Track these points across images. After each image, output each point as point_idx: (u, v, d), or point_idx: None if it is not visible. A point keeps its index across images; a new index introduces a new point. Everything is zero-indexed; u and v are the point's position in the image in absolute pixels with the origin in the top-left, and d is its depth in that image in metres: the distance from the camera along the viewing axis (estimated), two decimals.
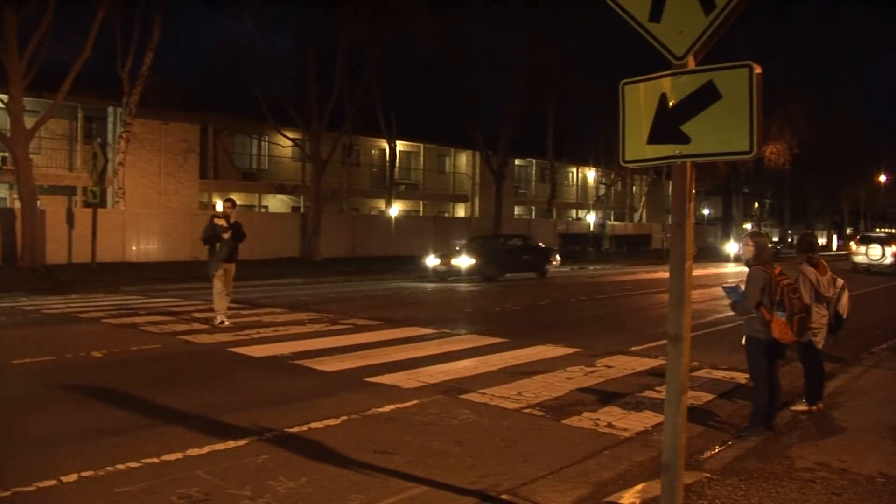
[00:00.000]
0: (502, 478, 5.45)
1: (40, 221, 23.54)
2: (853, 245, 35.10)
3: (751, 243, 6.81)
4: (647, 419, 7.14)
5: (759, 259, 6.72)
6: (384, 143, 42.04)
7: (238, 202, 39.12)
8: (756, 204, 75.57)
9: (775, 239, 72.91)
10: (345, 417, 6.96)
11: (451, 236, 41.31)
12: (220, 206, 13.66)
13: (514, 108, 40.54)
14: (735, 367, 9.12)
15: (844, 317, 7.64)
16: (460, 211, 50.67)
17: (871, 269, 31.68)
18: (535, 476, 5.50)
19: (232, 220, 12.50)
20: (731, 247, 42.41)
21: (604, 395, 8.15)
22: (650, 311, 17.19)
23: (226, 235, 12.34)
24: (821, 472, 5.54)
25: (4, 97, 22.69)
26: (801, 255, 7.70)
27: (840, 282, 7.61)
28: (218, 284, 12.47)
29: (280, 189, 38.77)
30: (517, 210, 53.74)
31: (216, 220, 12.39)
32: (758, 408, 6.76)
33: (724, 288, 7.03)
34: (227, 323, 12.51)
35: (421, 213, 47.00)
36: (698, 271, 25.91)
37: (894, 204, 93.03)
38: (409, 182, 47.25)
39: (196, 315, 14.06)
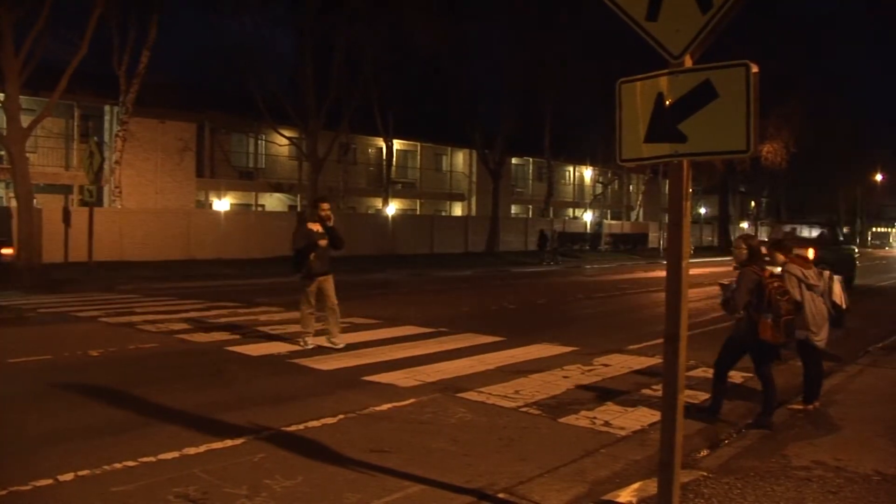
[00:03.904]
0: (499, 476, 5.45)
1: (37, 220, 23.43)
2: None
3: (744, 246, 7.03)
4: (644, 418, 7.16)
5: (751, 260, 6.92)
6: (381, 142, 42.01)
7: (234, 201, 39.08)
8: (752, 203, 75.65)
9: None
10: (341, 416, 6.96)
11: (447, 235, 41.32)
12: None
13: (512, 106, 40.58)
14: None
15: (844, 307, 7.67)
16: (457, 210, 50.66)
17: None
18: (532, 475, 5.50)
19: (329, 224, 10.43)
20: None
21: (601, 394, 8.16)
22: (647, 310, 17.21)
23: (322, 243, 10.40)
24: (817, 471, 5.55)
25: (0, 95, 22.61)
26: (777, 257, 7.70)
27: (827, 273, 7.68)
28: (308, 302, 10.61)
29: (277, 188, 38.73)
30: (514, 209, 53.76)
31: (310, 226, 10.45)
32: (716, 399, 7.25)
33: (720, 284, 7.27)
34: (310, 344, 10.59)
35: (418, 212, 46.98)
36: (696, 270, 25.95)
37: (891, 203, 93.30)
38: (405, 181, 47.23)
39: (193, 314, 14.04)
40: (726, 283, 7.18)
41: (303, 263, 10.41)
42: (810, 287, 7.39)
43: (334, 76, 31.77)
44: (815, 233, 25.34)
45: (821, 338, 7.47)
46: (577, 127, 47.21)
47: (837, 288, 7.64)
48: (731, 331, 7.29)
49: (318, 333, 10.81)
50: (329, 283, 10.57)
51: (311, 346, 10.45)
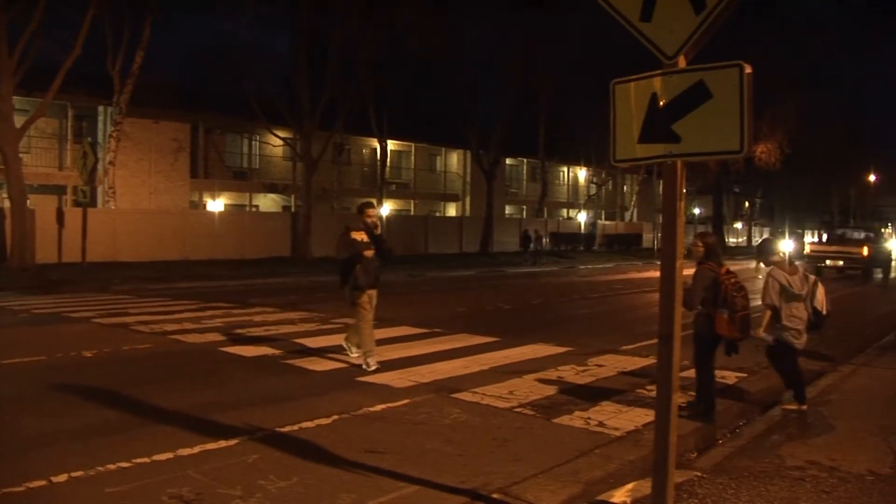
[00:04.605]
0: (493, 477, 5.45)
1: (30, 221, 23.39)
2: None
3: (700, 244, 7.28)
4: (638, 418, 7.16)
5: (708, 258, 7.20)
6: (375, 143, 41.97)
7: (229, 201, 38.96)
8: (746, 203, 75.81)
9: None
10: (336, 417, 6.96)
11: (442, 236, 41.33)
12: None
13: (506, 107, 40.57)
14: (724, 367, 9.13)
15: (824, 313, 7.70)
16: (451, 210, 50.67)
17: None
18: (526, 475, 5.51)
19: (377, 232, 9.37)
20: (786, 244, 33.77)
21: (595, 394, 8.17)
22: (641, 311, 17.22)
23: (368, 253, 9.23)
24: (811, 471, 5.56)
25: None
26: (764, 259, 7.84)
27: (812, 278, 7.74)
28: (365, 316, 9.34)
29: (271, 188, 38.69)
30: (508, 209, 53.79)
31: (354, 234, 9.28)
32: (707, 399, 7.25)
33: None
34: (373, 366, 9.29)
35: (412, 213, 46.97)
36: (690, 270, 26.05)
37: (885, 203, 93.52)
38: (400, 181, 47.21)
39: (187, 314, 14.01)
40: (687, 284, 7.28)
41: (347, 277, 9.26)
42: (793, 297, 7.49)
43: (329, 77, 31.75)
44: (861, 235, 31.56)
45: (800, 342, 7.58)
46: (572, 127, 47.22)
47: (820, 294, 7.67)
48: (693, 328, 7.36)
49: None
50: (373, 298, 9.43)
51: (374, 368, 9.19)
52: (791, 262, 7.88)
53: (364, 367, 9.22)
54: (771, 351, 7.75)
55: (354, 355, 9.57)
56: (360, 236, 9.24)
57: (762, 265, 8.01)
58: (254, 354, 10.10)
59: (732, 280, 7.10)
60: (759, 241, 9.05)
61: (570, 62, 39.05)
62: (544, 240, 39.18)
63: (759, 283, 7.84)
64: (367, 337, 9.36)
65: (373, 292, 9.36)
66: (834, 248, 30.00)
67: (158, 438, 6.13)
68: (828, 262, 29.08)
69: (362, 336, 9.39)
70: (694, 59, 3.97)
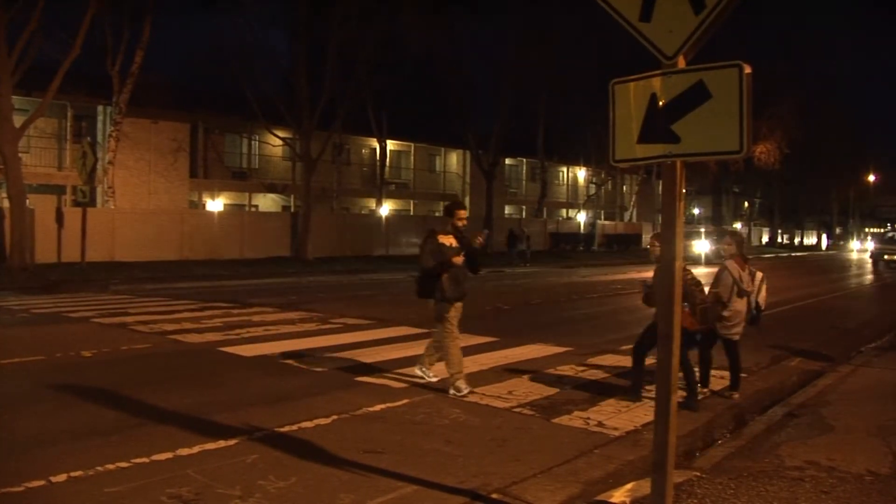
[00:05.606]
0: (492, 477, 5.45)
1: (29, 220, 23.40)
2: None
3: (657, 244, 7.64)
4: (637, 418, 7.17)
5: None
6: (374, 143, 41.97)
7: (228, 201, 38.95)
8: (746, 203, 75.85)
9: (765, 239, 73.33)
10: (335, 417, 6.95)
11: None
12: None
13: (505, 107, 40.60)
14: (724, 366, 9.12)
15: (763, 307, 8.32)
16: None
17: None
18: (526, 475, 5.50)
19: (471, 238, 8.35)
20: None
21: (594, 394, 8.17)
22: (641, 311, 17.08)
23: (457, 260, 8.16)
24: (810, 471, 5.56)
25: None
26: (733, 252, 8.28)
27: (759, 275, 8.24)
28: (454, 333, 8.28)
29: (270, 188, 38.68)
30: (507, 209, 53.78)
31: (441, 239, 8.22)
32: (636, 380, 8.03)
33: (642, 282, 8.36)
34: (465, 389, 8.02)
35: (411, 213, 46.96)
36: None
37: (884, 203, 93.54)
38: (399, 181, 47.20)
39: (186, 314, 14.01)
40: (649, 281, 7.99)
41: (429, 286, 8.20)
42: (742, 293, 7.99)
43: (328, 77, 31.75)
44: None
45: (735, 332, 8.12)
46: (571, 127, 47.26)
47: (764, 290, 8.26)
48: (653, 318, 7.63)
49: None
50: (459, 311, 8.40)
51: (466, 391, 7.98)
52: (743, 260, 8.28)
53: (453, 392, 7.96)
54: (703, 338, 8.25)
55: (432, 378, 8.49)
56: (449, 240, 8.19)
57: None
58: (253, 354, 10.09)
59: (689, 276, 7.49)
60: (730, 234, 9.49)
61: (569, 62, 39.06)
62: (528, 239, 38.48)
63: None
64: (455, 357, 8.13)
65: (459, 305, 8.32)
66: (892, 246, 38.77)
67: (157, 438, 6.13)
68: (885, 256, 37.71)
69: (451, 356, 8.14)
70: (694, 59, 3.97)
